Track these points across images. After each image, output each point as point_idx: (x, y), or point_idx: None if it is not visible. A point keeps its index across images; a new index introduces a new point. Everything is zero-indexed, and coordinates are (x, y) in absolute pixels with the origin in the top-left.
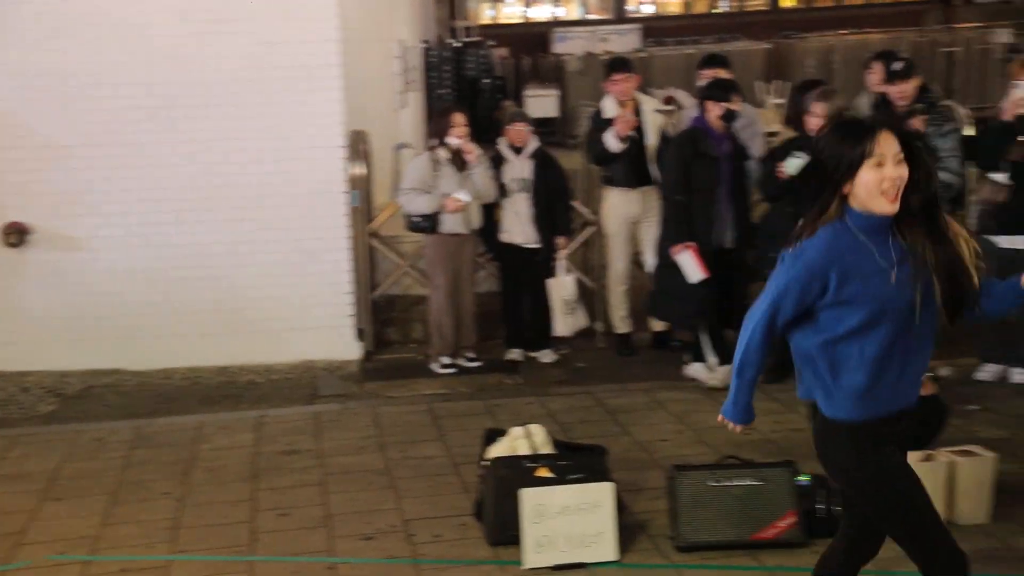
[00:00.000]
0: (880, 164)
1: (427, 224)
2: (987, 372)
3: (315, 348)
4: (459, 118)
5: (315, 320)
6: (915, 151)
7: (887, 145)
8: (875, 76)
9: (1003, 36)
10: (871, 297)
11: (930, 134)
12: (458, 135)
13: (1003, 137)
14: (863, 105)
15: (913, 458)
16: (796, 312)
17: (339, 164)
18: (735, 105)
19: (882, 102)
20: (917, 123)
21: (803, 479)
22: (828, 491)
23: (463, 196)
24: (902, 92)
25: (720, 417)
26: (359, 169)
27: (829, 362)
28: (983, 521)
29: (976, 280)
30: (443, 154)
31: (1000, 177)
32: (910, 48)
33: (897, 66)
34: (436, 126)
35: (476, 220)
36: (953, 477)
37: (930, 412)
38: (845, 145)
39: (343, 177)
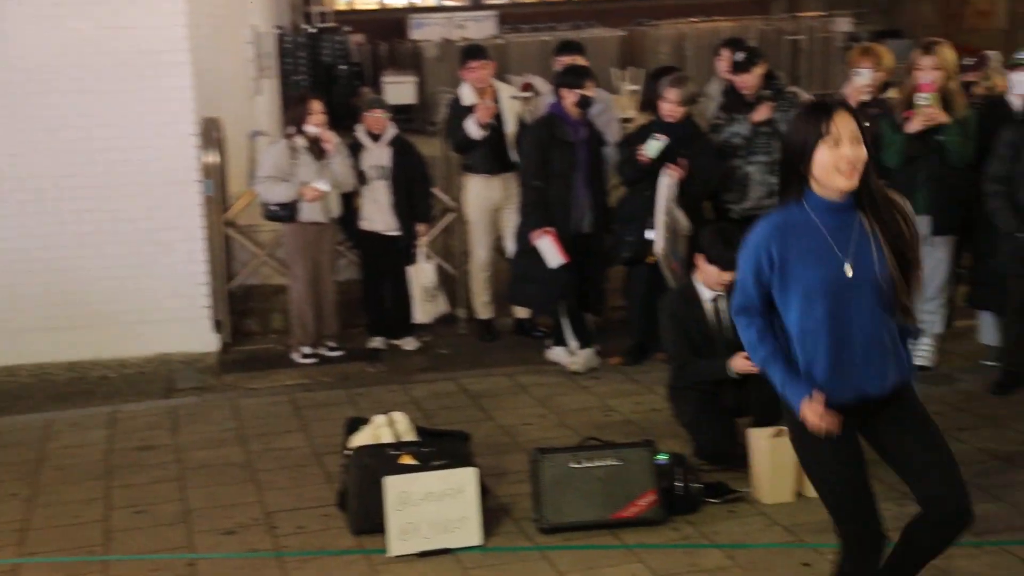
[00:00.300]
0: (836, 144)
1: (285, 213)
2: None
3: (170, 341)
4: (316, 105)
5: (170, 312)
6: (864, 133)
7: (843, 125)
8: (723, 63)
9: (844, 25)
10: (818, 279)
11: (777, 120)
12: (315, 123)
13: None
14: (715, 91)
15: (763, 434)
16: (761, 293)
17: (192, 152)
18: (589, 91)
19: (731, 88)
20: (765, 110)
21: (662, 458)
22: (686, 469)
23: (322, 185)
24: (744, 82)
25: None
26: (212, 157)
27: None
28: None
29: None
30: (300, 142)
31: None
32: (757, 36)
33: (739, 57)
34: (292, 113)
35: (335, 208)
36: None
37: None
38: (804, 127)
39: (196, 166)
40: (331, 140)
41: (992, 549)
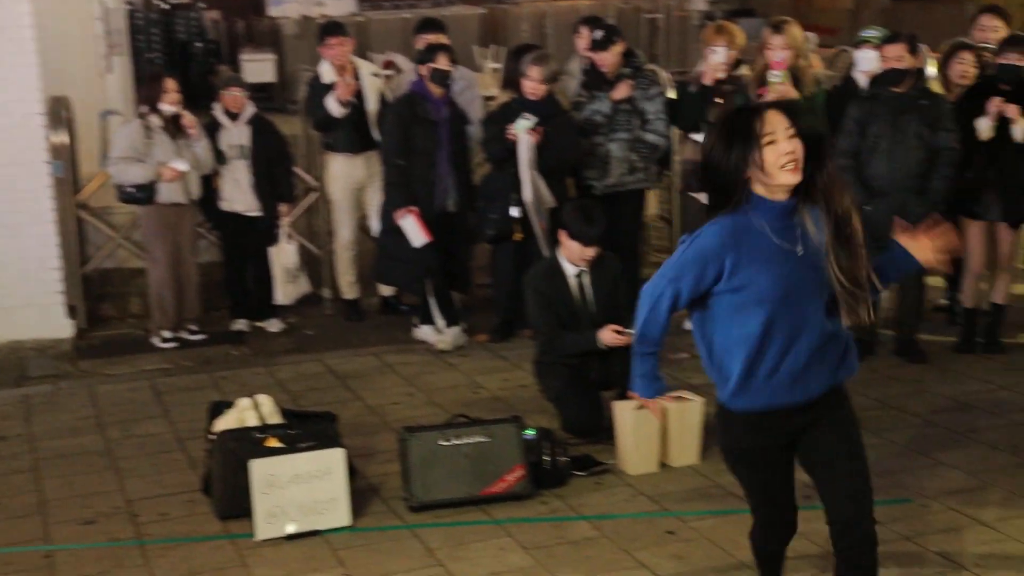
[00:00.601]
0: (773, 142)
1: (142, 195)
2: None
3: (22, 327)
4: (170, 83)
5: (20, 298)
6: (800, 127)
7: (775, 123)
8: (583, 41)
9: (699, 4)
10: (770, 283)
11: (637, 97)
12: (170, 101)
13: (702, 100)
14: (575, 69)
15: (628, 407)
16: (693, 294)
17: (39, 132)
18: (442, 64)
19: (592, 67)
20: (624, 88)
21: (529, 433)
22: (553, 443)
23: (180, 165)
24: (603, 60)
25: (633, 394)
26: (61, 138)
27: (723, 348)
28: (694, 462)
29: (868, 265)
30: (155, 121)
31: (700, 138)
32: (615, 14)
33: (597, 35)
34: (146, 92)
35: (195, 190)
36: (664, 422)
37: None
38: (736, 133)
39: (44, 146)
40: (194, 125)
41: None
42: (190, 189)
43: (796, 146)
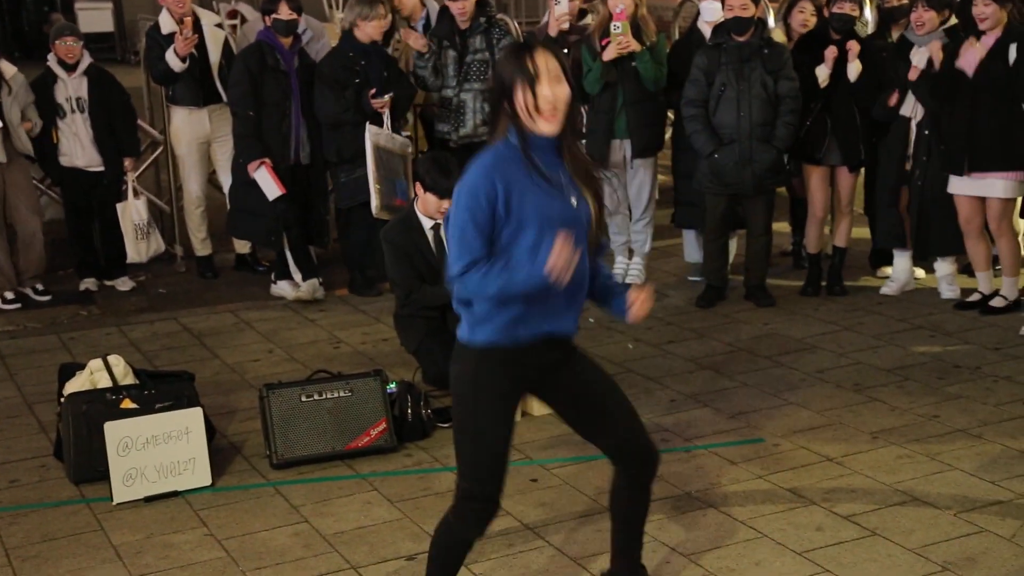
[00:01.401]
0: (536, 83)
1: None
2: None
3: None
4: None
5: None
6: (567, 72)
7: (544, 62)
8: None
9: None
10: (540, 215)
11: (490, 48)
12: None
13: None
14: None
15: None
16: (484, 238)
17: None
18: (283, 14)
19: (444, 15)
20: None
21: (392, 387)
22: (416, 396)
23: None
24: (462, 10)
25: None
26: None
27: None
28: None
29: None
30: None
31: None
32: None
33: None
34: None
35: (20, 146)
36: None
37: None
38: (505, 64)
39: None
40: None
41: (701, 452)
42: (21, 144)
43: (561, 91)
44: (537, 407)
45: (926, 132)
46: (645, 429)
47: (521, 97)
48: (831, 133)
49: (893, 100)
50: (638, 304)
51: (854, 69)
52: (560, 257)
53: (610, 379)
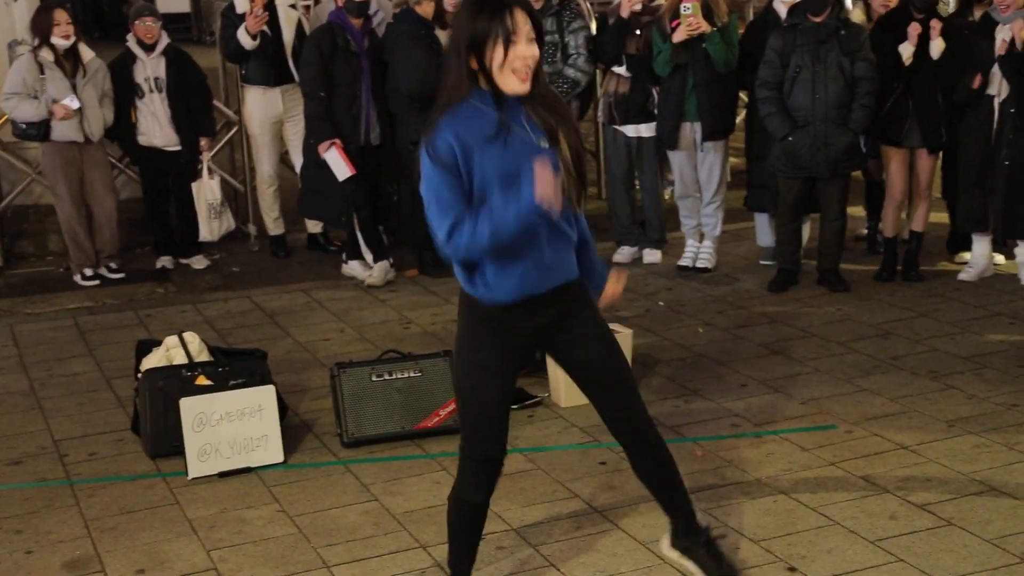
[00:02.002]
0: (512, 42)
1: (34, 132)
2: (623, 255)
3: None
4: (61, 15)
5: None
6: (541, 31)
7: (520, 22)
8: None
9: None
10: (502, 173)
11: (564, 29)
12: (62, 34)
13: (621, 32)
14: None
15: None
16: (462, 195)
17: None
18: None
19: None
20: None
21: None
22: None
23: (71, 102)
24: None
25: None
26: None
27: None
28: None
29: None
30: (47, 55)
31: (621, 70)
32: None
33: None
34: (37, 24)
35: (96, 128)
36: None
37: None
38: (477, 20)
39: None
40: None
41: (772, 438)
42: (89, 127)
43: (534, 51)
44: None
45: (1012, 111)
46: (642, 413)
47: (495, 54)
48: (912, 114)
49: (977, 82)
50: (609, 292)
51: (937, 46)
52: (544, 181)
53: (613, 352)
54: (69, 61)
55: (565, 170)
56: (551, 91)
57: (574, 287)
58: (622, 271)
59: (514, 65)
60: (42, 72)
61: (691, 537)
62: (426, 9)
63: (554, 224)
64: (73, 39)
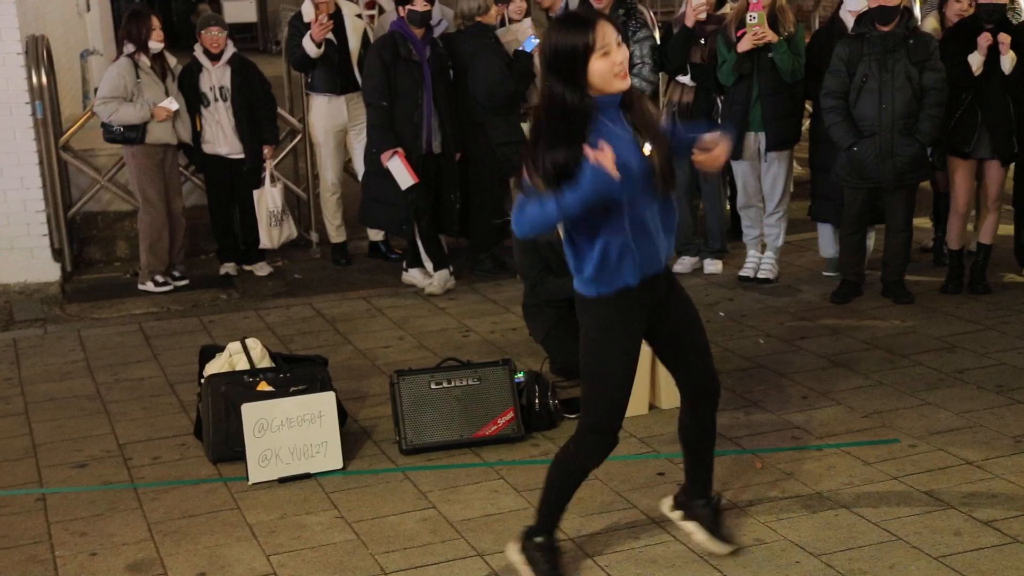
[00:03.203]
0: (607, 53)
1: (133, 135)
2: (683, 264)
3: (7, 271)
4: (156, 21)
5: (5, 241)
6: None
7: (608, 34)
8: None
9: None
10: (626, 160)
11: (632, 38)
12: (157, 39)
13: (686, 42)
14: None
15: None
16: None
17: (19, 72)
18: (419, 6)
19: (585, 2)
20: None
21: (520, 376)
22: (544, 386)
23: (172, 104)
24: None
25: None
26: (42, 77)
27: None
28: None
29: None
30: (144, 60)
31: (686, 79)
32: None
33: None
34: (132, 31)
35: (185, 131)
36: (653, 365)
37: None
38: (573, 39)
39: (25, 86)
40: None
41: (833, 451)
42: (180, 129)
43: (625, 54)
44: (665, 399)
45: None
46: (713, 366)
47: (596, 67)
48: (981, 125)
49: None
50: (709, 155)
51: (1008, 61)
52: (597, 157)
53: (698, 318)
54: (158, 66)
55: (661, 163)
56: (638, 92)
57: (668, 266)
58: (723, 139)
59: (615, 71)
60: (138, 77)
61: (700, 499)
62: (490, 17)
63: (658, 212)
64: (163, 44)
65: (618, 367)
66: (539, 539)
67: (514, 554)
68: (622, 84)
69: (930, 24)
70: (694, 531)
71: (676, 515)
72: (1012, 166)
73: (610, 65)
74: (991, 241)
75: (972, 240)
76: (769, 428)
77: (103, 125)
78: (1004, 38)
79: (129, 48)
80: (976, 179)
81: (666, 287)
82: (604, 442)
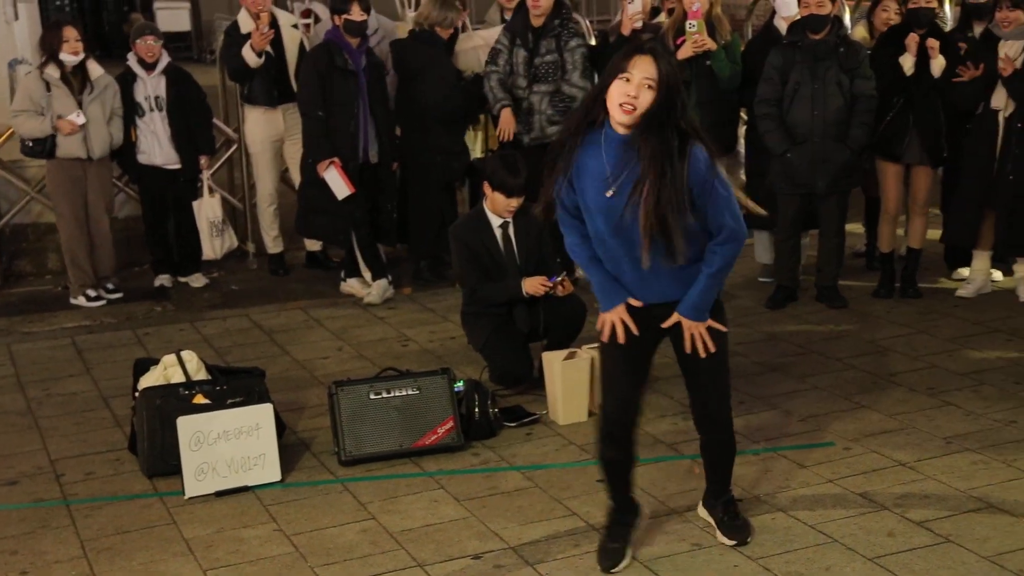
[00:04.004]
0: (628, 80)
1: (40, 149)
2: None
3: None
4: (70, 32)
5: None
6: (676, 87)
7: (641, 68)
8: None
9: None
10: (592, 197)
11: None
12: (71, 51)
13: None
14: (496, 19)
15: (556, 357)
16: (572, 200)
17: None
18: (355, 15)
19: (522, 8)
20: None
21: (459, 385)
22: (483, 395)
23: (76, 118)
24: (535, 5)
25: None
26: None
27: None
28: None
29: (679, 235)
30: (53, 72)
31: None
32: None
33: None
34: (45, 41)
35: (99, 145)
36: (594, 370)
37: (570, 312)
38: (614, 63)
39: None
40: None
41: (770, 455)
42: (93, 144)
43: (642, 94)
44: None
45: (1020, 125)
46: (712, 410)
47: (612, 90)
48: (912, 129)
49: (967, 76)
50: (688, 339)
51: (937, 66)
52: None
53: (699, 361)
54: (77, 78)
55: (644, 213)
56: (667, 146)
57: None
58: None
59: (620, 100)
60: (48, 89)
61: (716, 498)
62: (446, 33)
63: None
64: (82, 56)
65: (616, 371)
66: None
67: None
68: (621, 115)
69: (859, 33)
70: (715, 527)
71: (703, 512)
72: (940, 170)
73: (620, 93)
74: (921, 245)
75: (903, 244)
76: None
77: (20, 139)
78: (932, 43)
79: (42, 59)
80: (905, 184)
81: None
82: (610, 435)
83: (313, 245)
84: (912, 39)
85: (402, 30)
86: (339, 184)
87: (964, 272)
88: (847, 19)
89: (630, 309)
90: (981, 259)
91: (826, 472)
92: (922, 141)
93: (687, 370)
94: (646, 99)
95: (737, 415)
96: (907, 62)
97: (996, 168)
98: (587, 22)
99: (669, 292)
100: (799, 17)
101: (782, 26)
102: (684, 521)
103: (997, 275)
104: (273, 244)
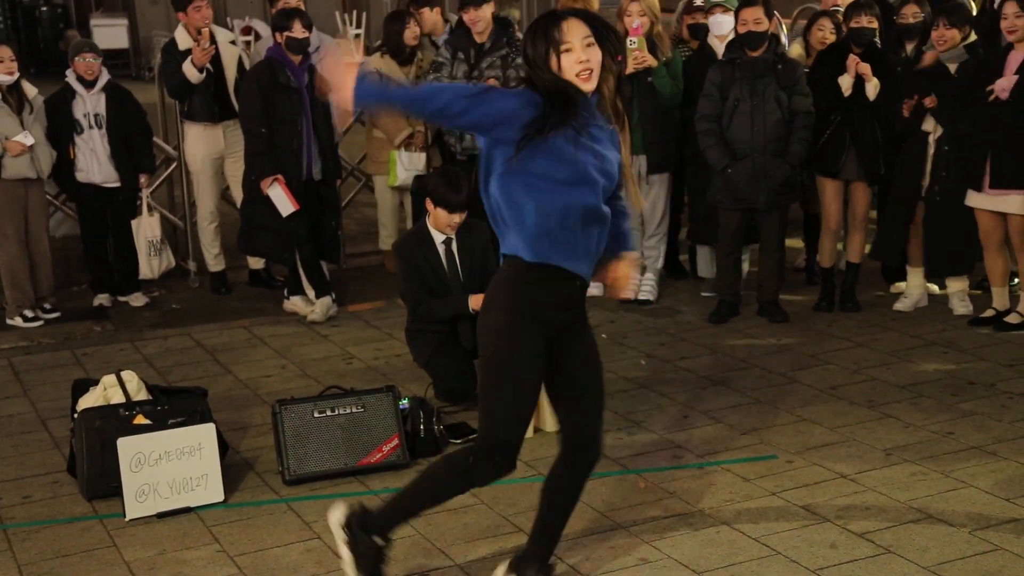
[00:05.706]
0: (569, 50)
1: None
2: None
3: None
4: (4, 51)
5: None
6: (603, 35)
7: (573, 31)
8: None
9: None
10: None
11: (503, 68)
12: (5, 71)
13: None
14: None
15: None
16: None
17: None
18: (296, 32)
19: (460, 26)
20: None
21: (404, 402)
22: (429, 412)
23: (25, 138)
24: (474, 19)
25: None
26: None
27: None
28: None
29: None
30: None
31: None
32: None
33: None
34: None
35: (47, 164)
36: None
37: None
38: (536, 40)
39: None
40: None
41: (713, 469)
42: (39, 163)
43: (591, 55)
44: (550, 422)
45: (946, 148)
46: (601, 425)
47: (560, 64)
48: (850, 146)
49: (907, 111)
50: (617, 283)
51: (872, 88)
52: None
53: (599, 375)
54: (14, 98)
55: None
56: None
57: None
58: (630, 261)
59: (575, 70)
60: None
61: (536, 563)
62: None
63: (593, 221)
64: (16, 75)
65: (526, 379)
66: (378, 540)
67: (339, 528)
68: (584, 84)
69: (795, 51)
70: None
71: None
72: (877, 187)
73: (570, 64)
74: (860, 260)
75: (843, 259)
76: (651, 448)
77: None
78: (864, 68)
79: None
80: (843, 199)
81: (580, 307)
82: (503, 464)
83: (256, 263)
84: (852, 60)
85: (343, 47)
86: (283, 201)
87: (901, 286)
88: (784, 37)
89: (548, 300)
90: (916, 275)
91: (769, 485)
92: (860, 158)
93: (580, 383)
94: (596, 55)
95: (681, 429)
96: (845, 82)
97: (925, 189)
98: None
99: (590, 261)
100: (734, 35)
101: (716, 44)
102: (629, 536)
103: (934, 289)
104: (215, 262)
